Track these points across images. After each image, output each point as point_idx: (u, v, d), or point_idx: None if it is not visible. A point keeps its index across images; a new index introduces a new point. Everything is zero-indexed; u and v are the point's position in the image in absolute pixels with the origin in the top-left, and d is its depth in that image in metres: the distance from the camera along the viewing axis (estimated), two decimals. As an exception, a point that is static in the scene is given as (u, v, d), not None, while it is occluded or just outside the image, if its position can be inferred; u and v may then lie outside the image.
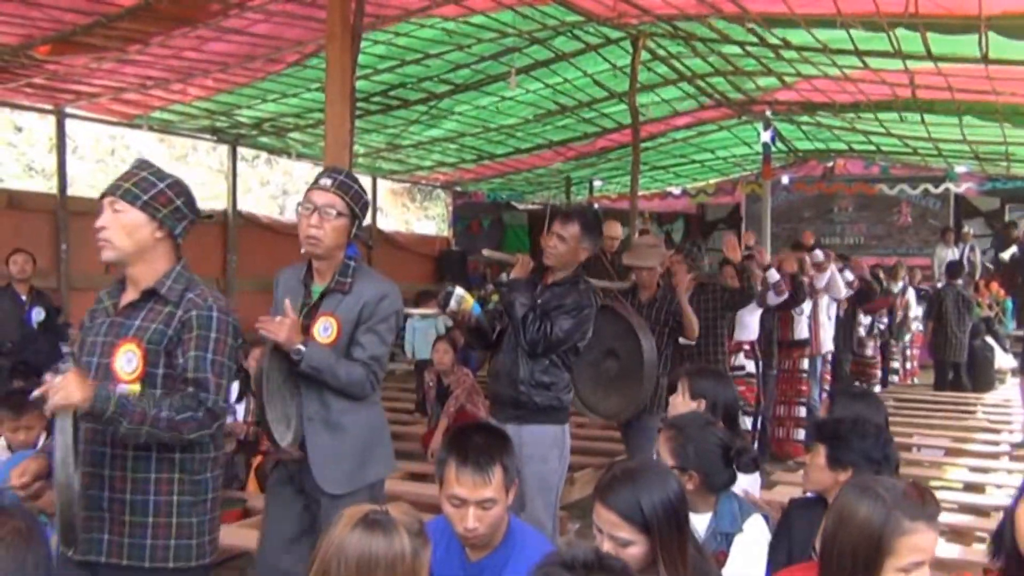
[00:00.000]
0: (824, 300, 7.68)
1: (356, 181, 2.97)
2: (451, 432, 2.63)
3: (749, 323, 6.44)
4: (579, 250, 3.80)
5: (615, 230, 7.20)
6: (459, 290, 3.75)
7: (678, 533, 1.93)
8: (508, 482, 2.27)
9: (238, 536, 4.31)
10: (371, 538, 1.67)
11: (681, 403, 3.09)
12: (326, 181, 2.87)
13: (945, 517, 4.31)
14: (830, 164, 14.75)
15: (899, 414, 8.09)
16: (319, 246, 2.86)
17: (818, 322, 7.47)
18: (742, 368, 6.39)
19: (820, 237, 13.16)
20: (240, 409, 5.58)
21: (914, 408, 8.85)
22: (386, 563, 1.66)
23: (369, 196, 2.95)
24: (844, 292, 7.91)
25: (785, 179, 14.84)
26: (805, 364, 7.22)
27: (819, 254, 7.50)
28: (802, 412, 7.07)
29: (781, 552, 2.37)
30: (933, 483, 5.50)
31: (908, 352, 11.40)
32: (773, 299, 6.52)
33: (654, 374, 4.51)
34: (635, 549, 1.93)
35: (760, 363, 6.54)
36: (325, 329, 2.86)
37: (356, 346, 2.87)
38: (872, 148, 12.65)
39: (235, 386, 5.72)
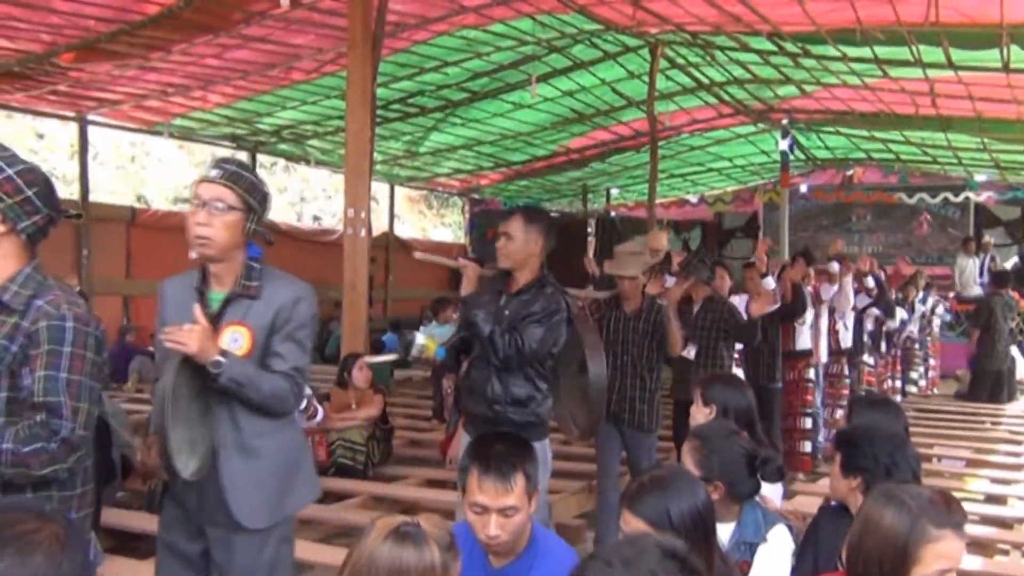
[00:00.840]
0: (825, 308, 7.38)
1: (250, 170, 2.59)
2: (473, 440, 2.63)
3: None
4: (531, 244, 3.52)
5: (660, 241, 7.05)
6: (420, 338, 3.66)
7: (705, 542, 1.93)
8: (530, 490, 2.27)
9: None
10: (402, 550, 1.67)
11: (697, 411, 3.11)
12: (214, 172, 2.49)
13: (967, 528, 4.27)
14: (848, 172, 14.69)
15: (919, 424, 8.02)
16: (210, 246, 2.47)
17: (818, 331, 7.19)
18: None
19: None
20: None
21: (935, 419, 8.77)
22: (418, 574, 1.66)
23: (269, 188, 2.61)
24: (850, 305, 7.57)
25: (803, 187, 14.80)
26: (811, 374, 6.98)
27: (835, 265, 7.27)
28: (808, 423, 6.85)
29: (807, 561, 2.37)
30: (955, 495, 5.45)
31: (929, 362, 11.31)
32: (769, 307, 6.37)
33: (601, 397, 4.05)
34: None
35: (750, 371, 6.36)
36: (235, 340, 2.49)
37: (273, 357, 2.51)
38: (891, 156, 12.60)
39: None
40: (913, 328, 10.49)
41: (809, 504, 4.61)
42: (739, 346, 6.15)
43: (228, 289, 2.55)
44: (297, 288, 2.59)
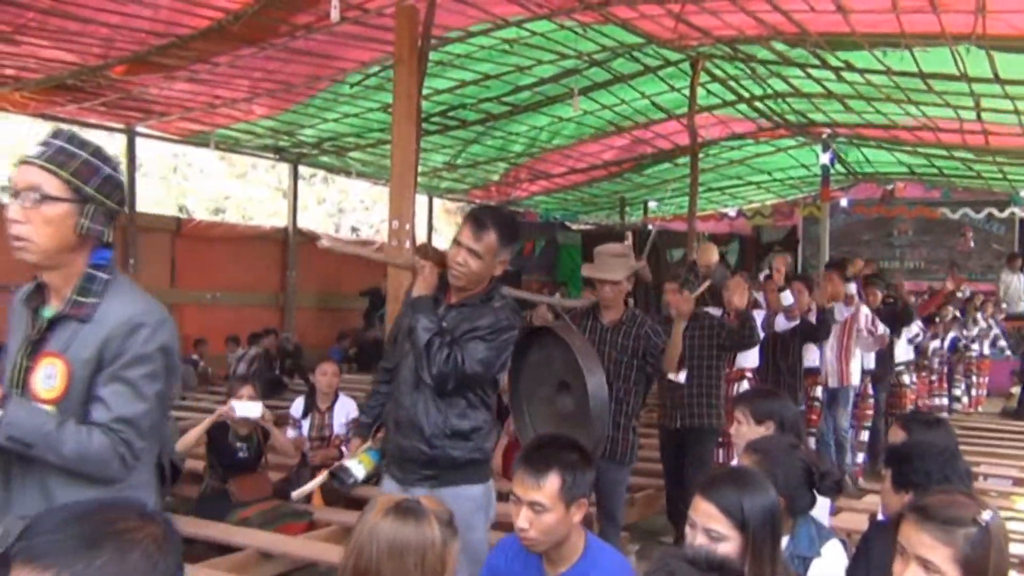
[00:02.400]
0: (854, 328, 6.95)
1: (85, 146, 1.97)
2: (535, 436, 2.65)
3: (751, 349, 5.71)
4: (495, 266, 2.99)
5: (710, 256, 6.63)
6: (353, 468, 3.02)
7: (772, 542, 1.95)
8: (568, 497, 2.26)
9: (305, 548, 4.38)
10: (403, 524, 1.74)
11: (748, 430, 3.00)
12: (35, 151, 1.93)
13: (1015, 548, 4.20)
14: (890, 187, 14.53)
15: (965, 443, 7.86)
16: (29, 248, 1.91)
17: (849, 353, 6.85)
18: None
19: (879, 261, 12.99)
20: (305, 425, 5.66)
21: (980, 437, 8.63)
22: (416, 549, 1.72)
23: (111, 167, 2.01)
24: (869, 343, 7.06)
25: (844, 202, 14.65)
26: (818, 392, 6.72)
27: (852, 287, 6.87)
28: (811, 446, 6.42)
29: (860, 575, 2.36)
30: (1002, 514, 5.36)
31: (974, 379, 11.14)
32: (782, 324, 6.08)
33: (604, 411, 3.55)
34: (727, 546, 1.95)
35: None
36: (48, 378, 1.91)
37: (95, 403, 1.92)
38: (934, 171, 12.45)
39: (300, 401, 5.83)
40: (975, 345, 10.43)
41: (855, 520, 4.57)
42: (752, 365, 5.85)
43: (60, 306, 1.98)
44: (137, 309, 1.97)
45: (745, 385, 5.73)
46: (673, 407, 5.14)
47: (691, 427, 5.09)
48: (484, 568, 2.48)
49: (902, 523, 1.79)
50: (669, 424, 5.20)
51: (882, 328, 7.12)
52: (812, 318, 6.16)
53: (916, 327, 8.47)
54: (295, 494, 3.45)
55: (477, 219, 2.97)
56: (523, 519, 2.25)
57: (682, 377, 4.86)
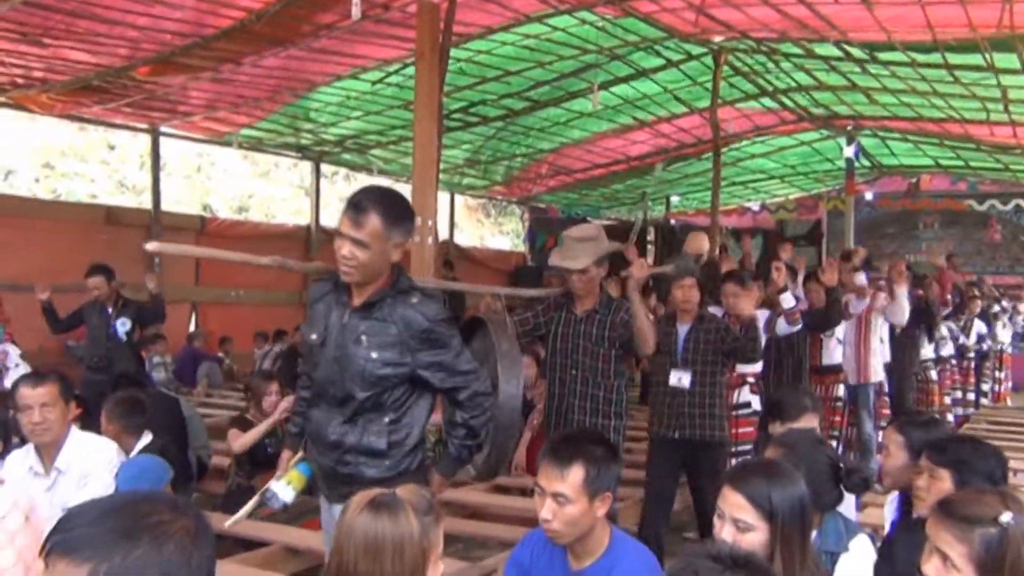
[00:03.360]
0: (877, 321, 6.74)
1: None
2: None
3: None
4: (390, 252, 2.64)
5: (700, 244, 6.36)
6: (280, 491, 2.83)
7: (800, 534, 1.95)
8: (592, 489, 2.25)
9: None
10: (376, 520, 1.73)
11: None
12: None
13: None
14: (914, 180, 14.39)
15: (993, 437, 7.80)
16: None
17: (868, 347, 6.61)
18: (747, 405, 5.40)
19: (906, 255, 12.86)
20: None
21: (1009, 431, 8.54)
22: (393, 543, 1.71)
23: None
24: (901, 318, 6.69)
25: (869, 195, 14.53)
26: (840, 391, 6.45)
27: (862, 277, 6.53)
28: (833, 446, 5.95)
29: (885, 573, 2.34)
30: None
31: (996, 374, 11.02)
32: (783, 327, 5.71)
33: (511, 426, 3.24)
34: (754, 536, 1.95)
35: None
36: None
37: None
38: (960, 164, 12.31)
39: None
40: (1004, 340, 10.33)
41: (878, 516, 4.53)
42: (753, 369, 5.47)
43: None
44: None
45: (747, 392, 5.40)
46: (672, 415, 4.55)
47: (697, 440, 4.52)
48: (509, 562, 2.48)
49: (930, 515, 1.80)
50: (667, 433, 4.57)
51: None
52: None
53: (945, 328, 8.39)
54: (228, 524, 3.15)
55: (355, 204, 2.59)
56: (547, 510, 2.26)
57: (686, 382, 4.49)
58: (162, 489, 3.27)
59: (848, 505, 3.03)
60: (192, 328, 10.94)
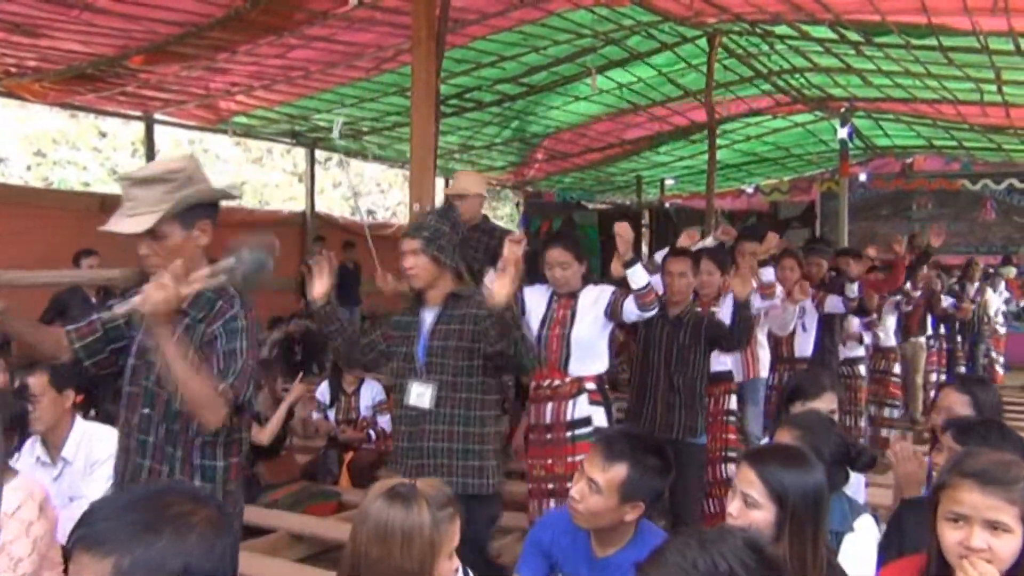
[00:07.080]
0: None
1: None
2: None
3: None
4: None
5: (467, 182, 5.26)
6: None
7: (814, 524, 1.97)
8: (625, 492, 2.23)
9: (334, 529, 4.45)
10: (390, 508, 1.76)
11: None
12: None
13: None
14: (908, 160, 14.41)
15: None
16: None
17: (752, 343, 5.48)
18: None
19: (900, 235, 12.83)
20: (332, 409, 5.74)
21: (1007, 411, 8.60)
22: (403, 532, 1.73)
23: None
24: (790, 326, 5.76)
25: (862, 176, 14.54)
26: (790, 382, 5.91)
27: (769, 272, 5.25)
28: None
29: (892, 552, 2.37)
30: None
31: (991, 355, 11.05)
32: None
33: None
34: (759, 514, 1.97)
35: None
36: None
37: None
38: (954, 144, 12.34)
39: (325, 386, 5.89)
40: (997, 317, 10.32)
41: (881, 496, 4.59)
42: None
43: None
44: None
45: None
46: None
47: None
48: (527, 541, 2.49)
49: (952, 490, 1.79)
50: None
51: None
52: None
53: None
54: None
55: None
56: (577, 490, 2.26)
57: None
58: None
59: (858, 486, 3.07)
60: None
